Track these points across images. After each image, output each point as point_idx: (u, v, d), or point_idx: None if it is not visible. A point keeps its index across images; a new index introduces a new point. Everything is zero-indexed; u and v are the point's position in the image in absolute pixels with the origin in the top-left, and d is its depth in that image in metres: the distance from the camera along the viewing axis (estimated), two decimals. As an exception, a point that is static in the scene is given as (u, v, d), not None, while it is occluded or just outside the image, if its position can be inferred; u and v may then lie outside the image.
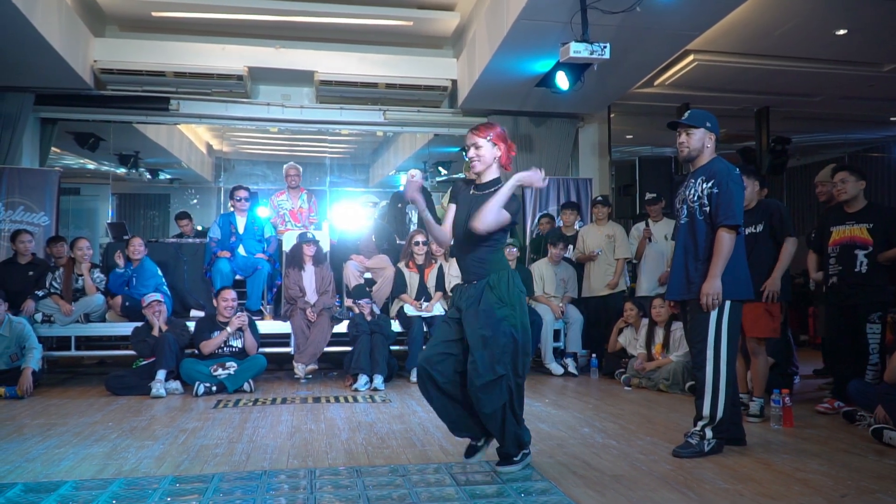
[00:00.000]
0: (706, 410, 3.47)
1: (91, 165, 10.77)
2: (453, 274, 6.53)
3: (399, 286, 6.56)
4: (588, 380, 6.38)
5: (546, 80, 6.99)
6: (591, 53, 5.54)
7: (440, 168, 11.40)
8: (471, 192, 3.21)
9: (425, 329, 6.29)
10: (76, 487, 2.91)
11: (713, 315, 3.45)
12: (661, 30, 6.16)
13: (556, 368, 6.58)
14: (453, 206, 3.26)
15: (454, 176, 10.99)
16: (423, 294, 6.54)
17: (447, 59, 8.63)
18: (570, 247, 7.20)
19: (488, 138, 3.13)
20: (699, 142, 3.60)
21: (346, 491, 2.85)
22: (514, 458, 3.17)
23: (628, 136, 11.25)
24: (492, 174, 3.18)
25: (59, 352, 6.50)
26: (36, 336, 5.64)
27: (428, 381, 3.11)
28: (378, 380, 5.68)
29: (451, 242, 3.31)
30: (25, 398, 5.27)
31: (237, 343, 5.75)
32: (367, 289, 6.45)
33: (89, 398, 5.33)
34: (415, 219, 7.85)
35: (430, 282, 6.57)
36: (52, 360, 6.72)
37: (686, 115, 3.72)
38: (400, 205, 8.02)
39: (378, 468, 3.22)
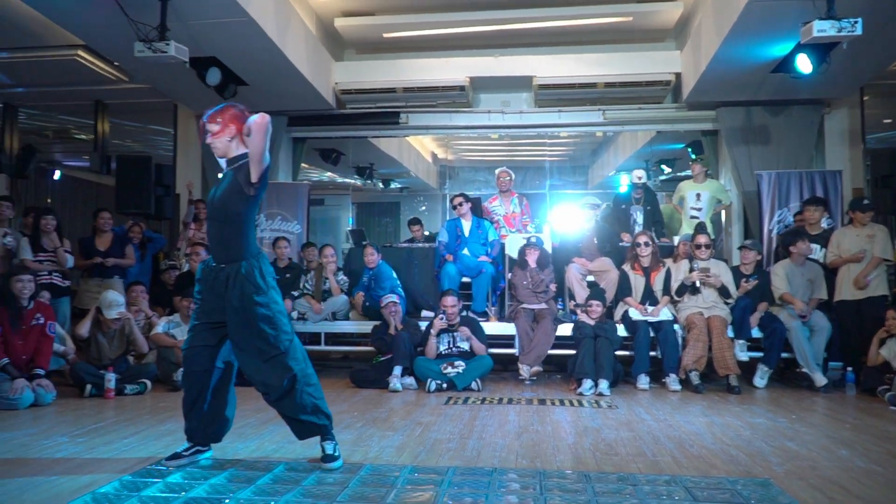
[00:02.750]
0: None
1: (334, 178, 11.84)
2: (680, 277, 6.26)
3: (624, 289, 6.43)
4: (843, 396, 5.71)
5: (784, 64, 6.45)
6: (840, 31, 5.00)
7: (663, 166, 10.97)
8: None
9: (651, 334, 6.10)
10: (329, 469, 3.22)
11: None
12: (926, -3, 5.41)
13: (820, 379, 5.83)
14: None
15: (679, 174, 10.53)
16: (648, 297, 6.35)
17: (669, 51, 8.30)
18: (817, 247, 6.52)
19: (217, 122, 3.24)
20: None
21: (575, 495, 2.86)
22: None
23: (886, 121, 9.98)
24: (235, 151, 3.28)
25: (310, 346, 7.20)
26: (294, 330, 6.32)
27: None
28: (603, 385, 5.61)
29: None
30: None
31: (464, 344, 6.00)
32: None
33: (337, 389, 5.86)
34: (640, 220, 7.63)
35: (657, 285, 6.35)
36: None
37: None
38: (623, 206, 7.85)
39: (607, 475, 3.19)
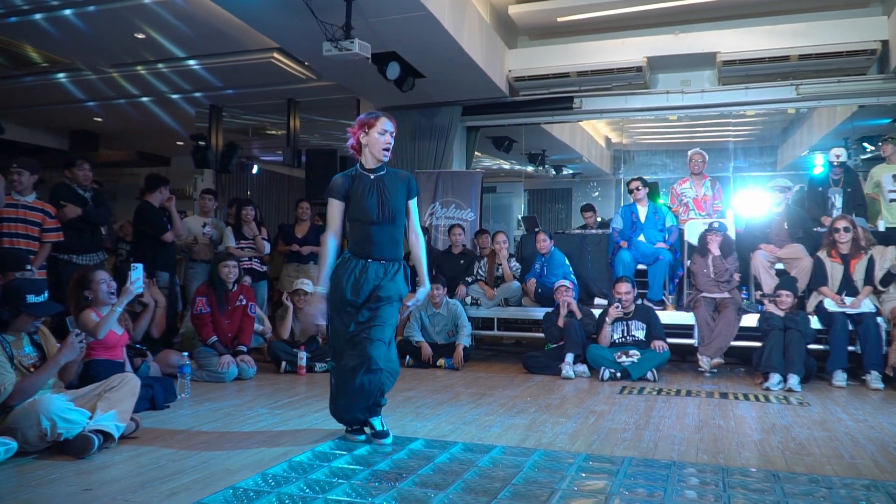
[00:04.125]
0: None
1: (506, 165, 11.94)
2: (886, 266, 5.67)
3: (819, 278, 5.92)
4: None
5: None
6: None
7: (865, 144, 9.92)
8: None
9: (850, 327, 5.58)
10: (504, 452, 3.29)
11: None
12: None
13: None
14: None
15: (883, 154, 9.49)
16: (847, 287, 5.80)
17: (875, 17, 7.49)
18: None
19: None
20: None
21: (762, 495, 2.70)
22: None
23: None
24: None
25: (483, 331, 7.37)
26: (466, 316, 6.50)
27: None
28: (793, 380, 5.22)
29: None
30: (460, 370, 6.11)
31: (639, 333, 5.85)
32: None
33: (509, 374, 5.95)
34: (838, 203, 6.98)
35: (857, 274, 5.79)
36: (479, 338, 7.64)
37: None
38: (820, 188, 7.21)
39: (797, 475, 2.98)
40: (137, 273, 4.15)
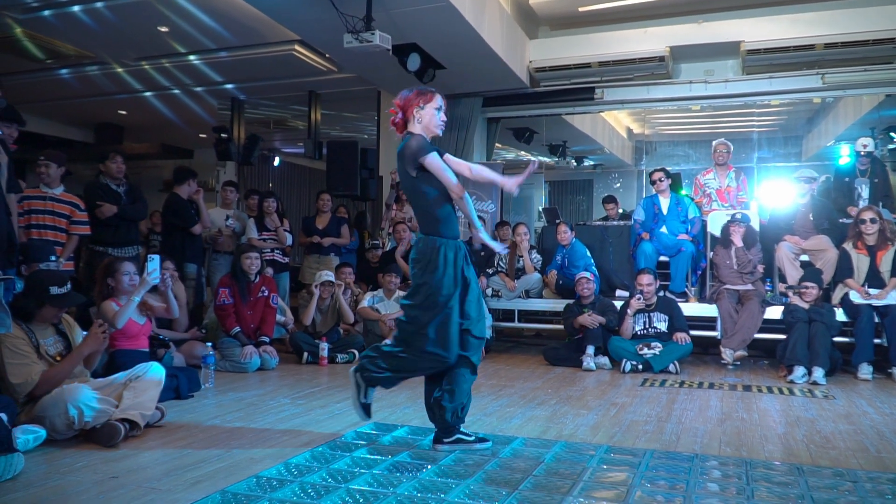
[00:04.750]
0: None
1: (526, 156, 11.90)
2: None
3: (844, 270, 5.84)
4: None
5: None
6: None
7: (892, 134, 9.75)
8: None
9: (877, 320, 5.51)
10: (525, 444, 3.29)
11: None
12: None
13: None
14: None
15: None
16: (873, 279, 5.72)
17: (904, 3, 7.34)
18: None
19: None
20: None
21: (786, 488, 2.68)
22: None
23: None
24: None
25: (504, 322, 7.37)
26: (487, 308, 6.49)
27: None
28: (818, 373, 5.16)
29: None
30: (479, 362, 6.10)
31: (661, 325, 5.81)
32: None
33: (530, 366, 5.94)
34: (865, 194, 6.88)
35: (884, 265, 5.71)
36: (499, 330, 7.63)
37: None
38: (847, 179, 7.10)
39: (822, 469, 2.95)
40: (154, 264, 4.18)
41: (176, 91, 10.49)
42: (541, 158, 11.59)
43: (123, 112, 12.13)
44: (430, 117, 3.21)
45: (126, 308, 4.14)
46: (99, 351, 3.57)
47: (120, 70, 9.61)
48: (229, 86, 10.24)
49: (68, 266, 5.15)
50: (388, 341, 3.37)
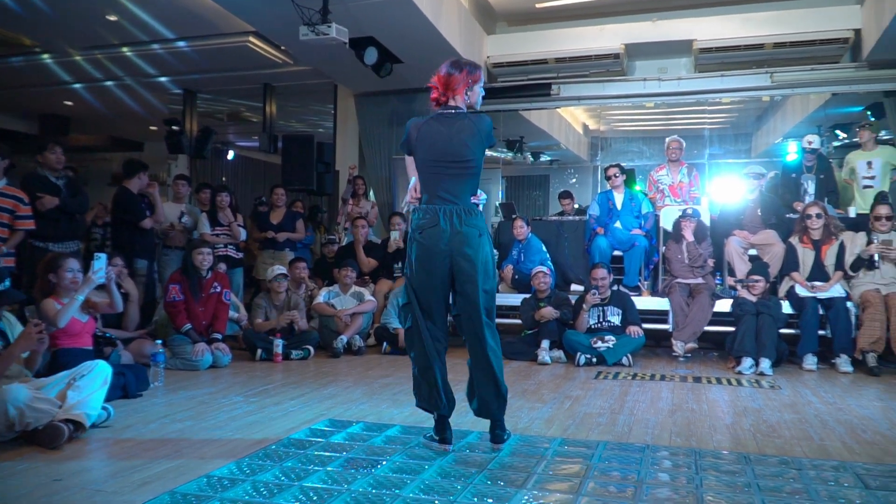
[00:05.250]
0: None
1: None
2: (856, 251, 5.76)
3: (790, 264, 6.01)
4: None
5: None
6: None
7: (838, 132, 10.04)
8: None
9: (821, 312, 5.67)
10: (480, 437, 3.28)
11: None
12: None
13: None
14: None
15: (853, 140, 9.62)
16: (818, 272, 5.89)
17: (848, 6, 7.56)
18: None
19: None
20: None
21: (734, 477, 2.74)
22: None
23: None
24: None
25: (460, 318, 7.35)
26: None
27: None
28: (765, 364, 5.30)
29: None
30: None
31: (615, 319, 5.89)
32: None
33: (486, 361, 5.95)
34: (810, 190, 7.07)
35: (828, 259, 5.88)
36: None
37: None
38: (794, 175, 7.29)
39: (768, 457, 3.03)
40: (100, 263, 4.08)
41: (125, 81, 10.21)
42: (500, 154, 11.63)
43: (69, 103, 11.77)
44: (477, 96, 3.28)
45: (69, 307, 4.03)
46: (39, 351, 3.45)
47: (65, 59, 9.32)
48: (180, 77, 10.02)
49: (9, 262, 4.99)
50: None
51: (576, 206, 9.51)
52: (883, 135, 7.90)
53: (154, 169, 10.54)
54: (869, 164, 6.98)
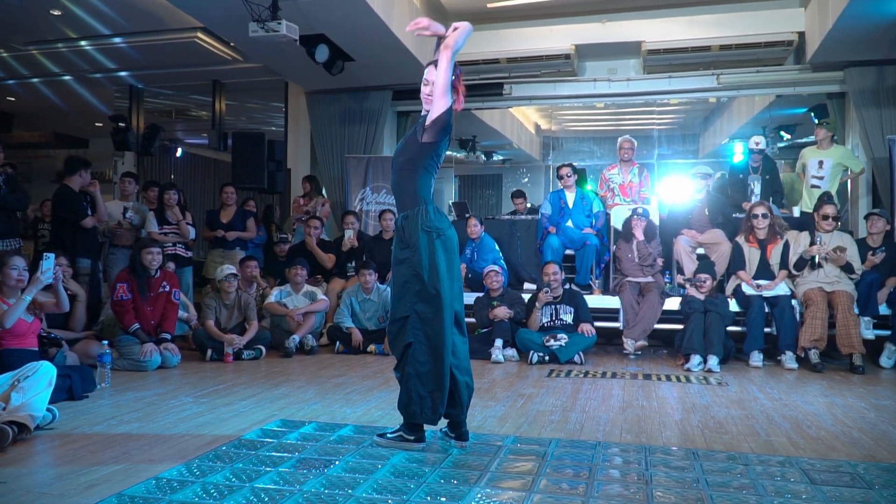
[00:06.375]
0: None
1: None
2: (799, 250, 5.94)
3: (737, 262, 6.17)
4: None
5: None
6: None
7: (782, 133, 10.37)
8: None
9: (766, 309, 5.84)
10: (433, 436, 3.29)
11: None
12: None
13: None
14: None
15: (799, 141, 9.93)
16: (763, 271, 6.06)
17: (792, 9, 7.79)
18: None
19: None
20: None
21: (682, 472, 2.80)
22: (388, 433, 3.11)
23: None
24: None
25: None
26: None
27: None
28: (713, 361, 5.43)
29: None
30: (390, 355, 6.08)
31: (567, 317, 5.96)
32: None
33: (440, 360, 5.96)
34: (757, 190, 7.27)
35: (773, 258, 6.05)
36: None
37: None
38: (741, 175, 7.48)
39: (716, 453, 3.10)
40: (49, 263, 3.98)
41: (69, 77, 9.92)
42: (452, 153, 11.66)
43: (12, 99, 11.36)
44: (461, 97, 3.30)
45: (16, 307, 3.90)
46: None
47: (6, 55, 9.00)
48: (127, 73, 9.76)
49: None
50: None
51: (528, 205, 9.58)
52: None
53: (100, 166, 10.28)
54: (820, 163, 7.15)
